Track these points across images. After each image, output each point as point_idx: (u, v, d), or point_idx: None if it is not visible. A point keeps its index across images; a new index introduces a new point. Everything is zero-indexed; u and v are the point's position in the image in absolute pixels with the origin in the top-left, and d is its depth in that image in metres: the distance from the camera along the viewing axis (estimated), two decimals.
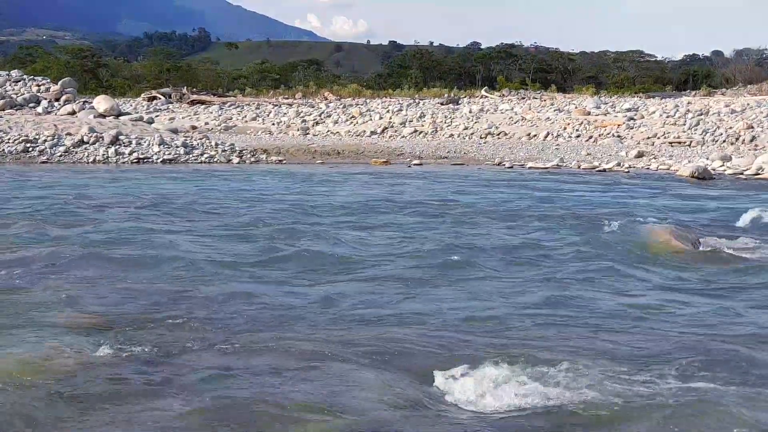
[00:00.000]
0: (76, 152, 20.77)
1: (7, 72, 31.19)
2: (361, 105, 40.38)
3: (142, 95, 44.28)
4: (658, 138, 27.63)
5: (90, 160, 20.38)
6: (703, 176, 18.49)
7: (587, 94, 45.14)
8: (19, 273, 7.48)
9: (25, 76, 30.48)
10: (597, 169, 20.83)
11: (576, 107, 35.85)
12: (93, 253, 8.41)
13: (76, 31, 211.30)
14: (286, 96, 46.65)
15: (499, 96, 45.00)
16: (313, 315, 6.33)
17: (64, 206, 12.13)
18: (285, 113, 37.72)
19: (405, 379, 4.94)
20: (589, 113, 33.61)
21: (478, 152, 24.99)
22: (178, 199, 13.31)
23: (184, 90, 44.65)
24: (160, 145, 21.58)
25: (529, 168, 21.20)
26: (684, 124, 29.08)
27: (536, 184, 16.78)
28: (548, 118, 32.90)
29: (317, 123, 34.47)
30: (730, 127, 27.32)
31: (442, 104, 39.95)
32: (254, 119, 36.61)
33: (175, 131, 24.98)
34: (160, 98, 42.38)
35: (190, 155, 21.61)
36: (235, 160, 21.75)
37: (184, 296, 6.83)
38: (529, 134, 30.33)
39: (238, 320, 6.14)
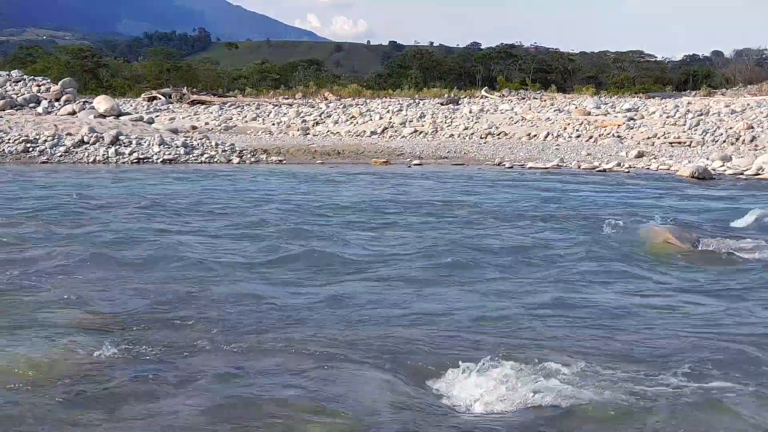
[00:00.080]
0: (77, 152, 20.77)
1: (7, 72, 31.18)
2: (361, 105, 40.39)
3: (142, 95, 44.29)
4: (658, 138, 27.64)
5: (90, 161, 20.38)
6: (703, 176, 18.49)
7: (587, 94, 45.16)
8: (25, 273, 7.49)
9: (25, 76, 30.47)
10: (597, 169, 20.83)
11: (576, 107, 35.86)
12: (99, 253, 8.42)
13: (76, 31, 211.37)
14: (286, 96, 46.67)
15: (499, 96, 45.01)
16: (319, 315, 6.33)
17: (68, 206, 12.14)
18: (285, 113, 37.73)
19: (410, 379, 4.94)
20: (589, 113, 33.62)
21: (478, 152, 24.99)
22: (182, 199, 13.32)
23: (184, 90, 44.67)
24: (160, 145, 21.59)
25: (529, 168, 21.20)
26: (684, 125, 29.09)
27: (536, 185, 16.79)
28: (548, 118, 32.91)
29: (317, 123, 34.48)
30: (730, 128, 27.33)
31: (442, 104, 39.96)
32: (254, 119, 36.62)
33: (175, 131, 24.98)
34: (160, 98, 42.39)
35: (191, 155, 21.61)
36: (235, 160, 21.75)
37: (189, 296, 6.83)
38: (529, 134, 30.33)
39: (243, 320, 6.14)
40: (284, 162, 22.13)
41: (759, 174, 19.14)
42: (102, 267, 7.84)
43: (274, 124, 34.13)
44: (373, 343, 5.53)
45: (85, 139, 21.27)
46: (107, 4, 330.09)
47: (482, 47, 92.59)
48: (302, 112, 37.61)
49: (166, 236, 9.61)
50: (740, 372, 4.98)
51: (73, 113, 25.59)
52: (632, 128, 29.50)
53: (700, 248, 9.54)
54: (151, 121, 27.20)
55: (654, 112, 32.52)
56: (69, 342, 5.45)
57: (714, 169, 19.67)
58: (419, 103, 41.74)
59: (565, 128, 30.51)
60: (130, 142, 21.52)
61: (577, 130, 30.03)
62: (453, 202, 13.52)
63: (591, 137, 28.98)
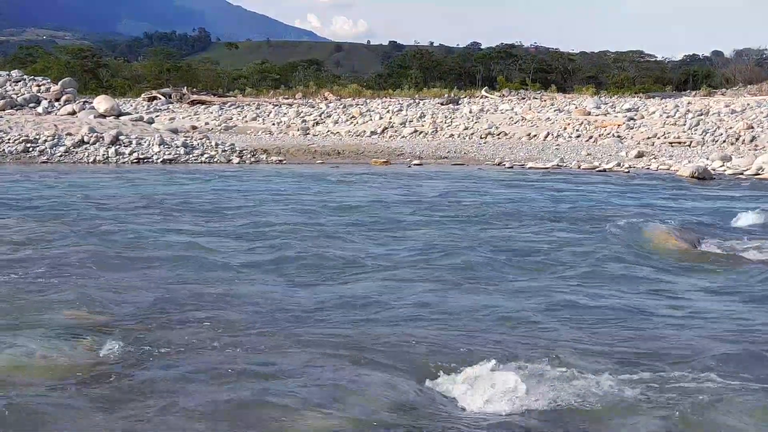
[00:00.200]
0: (77, 152, 20.77)
1: (7, 72, 31.18)
2: (361, 105, 40.39)
3: (143, 95, 44.29)
4: (658, 138, 27.64)
5: (90, 160, 20.39)
6: (703, 176, 18.50)
7: (587, 94, 45.17)
8: (26, 272, 7.49)
9: (25, 76, 30.47)
10: (597, 169, 20.84)
11: (576, 107, 35.86)
12: (102, 252, 8.43)
13: (76, 31, 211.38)
14: (286, 96, 46.68)
15: (499, 96, 45.02)
16: (326, 315, 6.33)
17: (70, 206, 12.14)
18: (285, 113, 37.74)
19: (413, 379, 4.94)
20: (589, 113, 33.62)
21: (478, 152, 24.99)
22: (185, 198, 13.32)
23: (184, 90, 44.67)
24: (160, 145, 21.59)
25: (529, 168, 21.20)
26: (684, 125, 29.09)
27: (536, 185, 16.79)
28: (548, 118, 32.91)
29: (317, 123, 34.48)
30: (730, 128, 27.33)
31: (442, 104, 39.97)
32: (254, 119, 36.62)
33: (175, 131, 24.98)
34: (160, 98, 42.39)
35: (191, 155, 21.61)
36: (235, 160, 21.75)
37: (195, 296, 6.82)
38: (529, 134, 30.33)
39: (248, 320, 6.13)
40: (284, 162, 22.13)
41: (759, 174, 19.14)
42: (109, 266, 7.85)
43: (274, 124, 34.13)
44: (378, 343, 5.53)
45: (85, 139, 21.27)
46: (107, 4, 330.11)
47: (482, 47, 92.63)
48: (302, 112, 37.61)
49: (173, 236, 9.63)
50: (743, 371, 4.98)
51: (73, 113, 25.59)
52: (632, 128, 29.50)
53: (700, 248, 9.54)
54: (151, 121, 27.21)
55: (654, 112, 32.53)
56: (66, 341, 5.45)
57: (714, 169, 19.67)
58: (419, 103, 41.74)
59: (565, 128, 30.51)
60: (130, 142, 21.52)
61: (577, 130, 30.03)
62: (455, 202, 13.51)
63: (591, 137, 28.99)
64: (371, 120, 34.25)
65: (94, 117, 25.10)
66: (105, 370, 5.02)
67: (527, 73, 65.66)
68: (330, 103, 42.18)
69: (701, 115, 30.80)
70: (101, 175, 17.66)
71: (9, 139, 20.98)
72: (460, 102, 41.16)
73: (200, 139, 23.66)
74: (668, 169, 20.51)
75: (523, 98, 43.12)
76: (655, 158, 22.91)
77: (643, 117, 31.83)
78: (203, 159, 21.56)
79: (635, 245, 9.32)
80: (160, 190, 14.48)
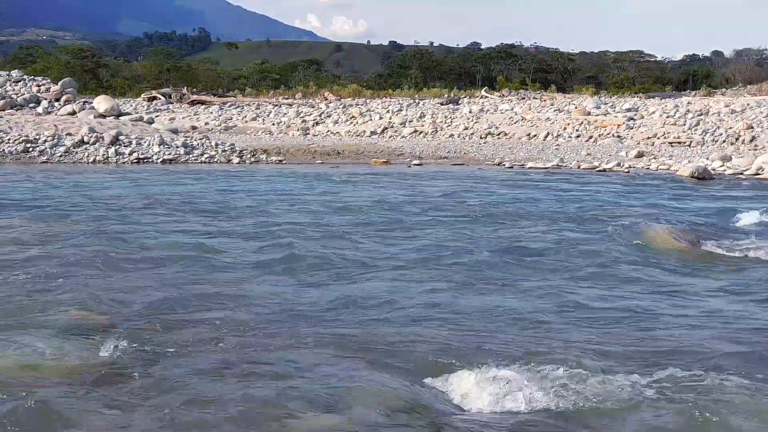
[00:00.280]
0: (77, 152, 20.77)
1: (7, 72, 31.19)
2: (361, 105, 40.39)
3: (142, 95, 44.29)
4: (658, 138, 27.64)
5: (90, 161, 20.39)
6: (703, 176, 18.50)
7: (587, 94, 45.17)
8: (32, 272, 7.50)
9: (25, 76, 30.47)
10: (597, 169, 20.83)
11: (576, 107, 35.87)
12: (108, 252, 8.44)
13: (76, 31, 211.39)
14: (286, 96, 46.67)
15: (499, 96, 45.01)
16: (331, 315, 6.33)
17: (73, 206, 12.15)
18: (285, 113, 37.74)
19: (415, 379, 4.95)
20: (589, 113, 33.62)
21: (478, 152, 24.99)
22: (188, 198, 13.32)
23: (184, 90, 44.67)
24: (160, 145, 21.59)
25: (529, 168, 21.20)
26: (684, 125, 29.09)
27: (537, 185, 16.79)
28: (548, 118, 32.92)
29: (317, 123, 34.48)
30: (730, 127, 27.33)
31: (442, 104, 39.96)
32: (254, 119, 36.62)
33: (175, 131, 24.98)
34: (160, 98, 42.39)
35: (190, 155, 21.61)
36: (235, 160, 21.75)
37: (197, 296, 6.82)
38: (529, 134, 30.33)
39: (250, 320, 6.13)
40: (284, 162, 22.13)
41: (759, 174, 19.14)
42: (115, 266, 7.86)
43: (274, 124, 34.13)
44: (383, 343, 5.53)
45: (85, 139, 21.27)
46: (107, 4, 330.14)
47: (482, 47, 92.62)
48: (302, 112, 37.62)
49: (178, 236, 9.65)
50: (750, 371, 4.98)
51: (73, 113, 25.59)
52: (632, 128, 29.50)
53: (701, 248, 9.55)
54: (151, 121, 27.21)
55: (654, 112, 32.53)
56: (79, 341, 5.47)
57: (714, 169, 19.67)
58: (419, 103, 41.74)
59: (565, 128, 30.51)
60: (130, 142, 21.52)
61: (577, 130, 30.03)
62: (457, 202, 13.51)
63: (591, 137, 28.99)
64: (371, 120, 34.25)
65: (94, 117, 25.10)
66: (112, 370, 5.02)
67: (527, 73, 65.65)
68: (330, 103, 42.18)
69: (701, 115, 30.80)
70: (102, 175, 17.66)
71: (9, 139, 20.98)
72: (460, 102, 41.16)
73: (200, 139, 23.66)
74: (668, 169, 20.50)
75: (523, 98, 43.12)
76: (655, 158, 22.91)
77: (642, 117, 31.84)
78: (203, 159, 21.56)
79: (636, 245, 9.32)
80: (163, 190, 14.47)
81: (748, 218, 11.74)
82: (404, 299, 6.83)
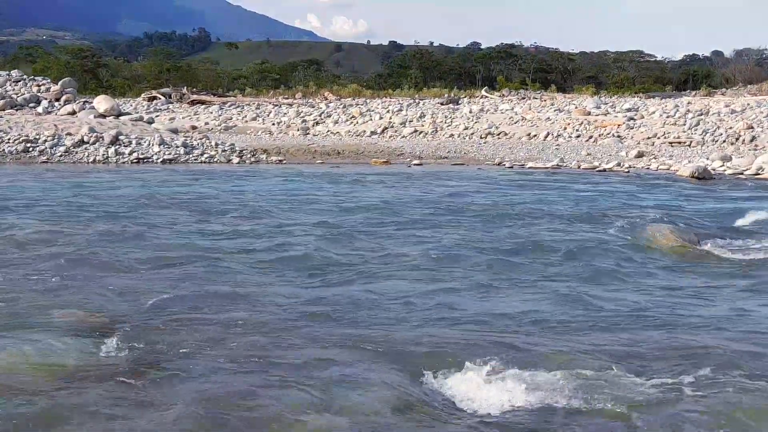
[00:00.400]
0: (77, 152, 20.76)
1: (7, 72, 31.18)
2: (361, 105, 40.39)
3: (142, 95, 44.29)
4: (658, 138, 27.63)
5: (90, 160, 20.38)
6: (703, 176, 18.49)
7: (587, 94, 45.16)
8: (33, 272, 7.50)
9: (25, 76, 30.46)
10: (597, 169, 20.82)
11: (576, 107, 35.86)
12: (111, 252, 8.44)
13: (76, 31, 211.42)
14: (286, 96, 46.67)
15: (499, 96, 45.01)
16: (334, 315, 6.32)
17: (75, 206, 12.13)
18: (285, 113, 37.73)
19: (417, 379, 4.95)
20: (589, 113, 33.62)
21: (478, 152, 24.99)
22: (192, 198, 13.31)
23: (184, 90, 44.67)
24: (160, 145, 21.58)
25: (530, 168, 21.19)
26: (684, 124, 29.08)
27: (537, 185, 16.78)
28: (548, 118, 32.91)
29: (317, 123, 34.48)
30: (730, 127, 27.33)
31: (442, 104, 39.96)
32: (254, 119, 36.62)
33: (175, 131, 24.97)
34: (160, 98, 42.39)
35: (190, 155, 21.61)
36: (235, 160, 21.74)
37: (202, 296, 6.82)
38: (529, 134, 30.33)
39: (249, 320, 6.12)
40: (284, 162, 22.12)
41: (759, 174, 19.13)
42: (118, 266, 7.86)
43: (274, 124, 34.13)
44: (385, 343, 5.52)
45: (85, 139, 21.26)
46: (107, 4, 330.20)
47: (482, 47, 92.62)
48: (302, 112, 37.61)
49: (182, 236, 9.65)
50: (745, 371, 4.97)
51: (73, 113, 25.58)
52: (632, 128, 29.49)
53: (701, 248, 9.54)
54: (151, 121, 27.20)
55: (654, 112, 32.52)
56: (64, 342, 5.46)
57: (714, 169, 19.66)
58: (419, 103, 41.74)
59: (565, 128, 30.51)
60: (130, 142, 21.51)
61: (577, 130, 30.03)
62: (459, 203, 13.48)
63: (591, 137, 28.98)
64: (371, 120, 34.25)
65: (94, 117, 25.09)
66: (111, 371, 5.02)
67: (527, 73, 65.66)
68: (330, 103, 42.18)
69: (701, 115, 30.79)
70: (103, 174, 17.65)
71: (9, 139, 20.97)
72: (460, 102, 41.15)
73: (200, 139, 23.66)
74: (668, 169, 20.49)
75: (523, 98, 43.12)
76: (655, 158, 22.90)
77: (643, 117, 31.83)
78: (203, 159, 21.55)
79: (635, 245, 9.33)
80: (163, 190, 14.44)
81: (748, 218, 11.74)
82: (414, 299, 6.82)
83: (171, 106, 40.74)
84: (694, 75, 64.64)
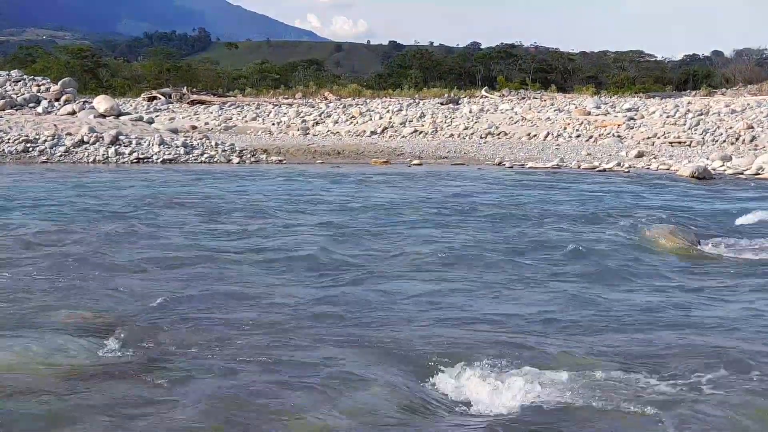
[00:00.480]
0: (76, 152, 20.76)
1: (7, 72, 31.18)
2: (361, 105, 40.39)
3: (142, 95, 44.30)
4: (658, 138, 27.64)
5: (90, 160, 20.38)
6: (703, 176, 18.48)
7: (587, 94, 45.15)
8: (35, 272, 7.50)
9: (25, 76, 30.47)
10: (597, 169, 20.82)
11: (576, 107, 35.86)
12: (114, 252, 8.45)
13: (76, 31, 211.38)
14: (286, 96, 46.66)
15: (499, 96, 45.00)
16: (337, 316, 6.31)
17: (77, 206, 12.12)
18: (285, 113, 37.73)
19: (418, 379, 4.94)
20: (589, 113, 33.62)
21: (478, 152, 24.98)
22: (195, 198, 13.31)
23: (184, 90, 44.68)
24: (160, 145, 21.58)
25: (529, 168, 21.19)
26: (684, 124, 29.09)
27: (537, 185, 16.78)
28: (548, 118, 32.92)
29: (317, 123, 34.48)
30: (730, 127, 27.33)
31: (442, 104, 39.96)
32: (254, 119, 36.63)
33: (175, 131, 24.97)
34: (160, 98, 42.39)
35: (190, 155, 21.60)
36: (235, 160, 21.74)
37: (206, 296, 6.81)
38: (529, 134, 30.33)
39: (250, 320, 6.11)
40: (284, 162, 22.12)
41: (759, 174, 19.13)
42: (121, 266, 7.86)
43: (274, 124, 34.13)
44: (389, 343, 5.52)
45: (85, 139, 21.26)
46: (107, 4, 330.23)
47: (482, 47, 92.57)
48: (302, 112, 37.61)
49: (185, 236, 9.65)
50: (745, 371, 4.97)
51: (73, 113, 25.58)
52: (632, 128, 29.50)
53: (701, 248, 9.54)
54: (151, 121, 27.20)
55: (654, 112, 32.53)
56: (65, 342, 5.46)
57: (714, 169, 19.66)
58: (419, 103, 41.75)
59: (565, 128, 30.51)
60: (130, 142, 21.51)
61: (577, 130, 30.03)
62: (460, 202, 13.49)
63: (591, 137, 28.98)
64: (371, 120, 34.25)
65: (94, 117, 25.09)
66: (118, 370, 5.01)
67: (527, 73, 65.64)
68: (330, 103, 42.18)
69: (701, 115, 30.79)
70: (104, 174, 17.64)
71: (9, 139, 20.97)
72: (460, 102, 41.15)
73: (200, 139, 23.66)
74: (668, 169, 20.49)
75: (523, 98, 43.11)
76: (655, 158, 22.90)
77: (643, 117, 31.83)
78: (203, 159, 21.55)
79: (635, 245, 9.32)
80: (167, 191, 14.42)
81: (748, 218, 11.74)
82: (422, 299, 6.83)
83: (171, 106, 40.75)
84: (694, 75, 64.63)
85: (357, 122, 34.03)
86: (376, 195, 14.38)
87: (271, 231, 10.14)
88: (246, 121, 35.81)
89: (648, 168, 21.27)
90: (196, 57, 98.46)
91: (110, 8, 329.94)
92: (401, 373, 5.00)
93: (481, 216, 11.77)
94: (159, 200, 12.87)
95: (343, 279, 7.59)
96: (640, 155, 23.44)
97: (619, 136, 28.51)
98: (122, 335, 5.63)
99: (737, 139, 26.05)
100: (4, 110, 25.77)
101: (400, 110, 37.04)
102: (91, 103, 27.41)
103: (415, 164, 21.83)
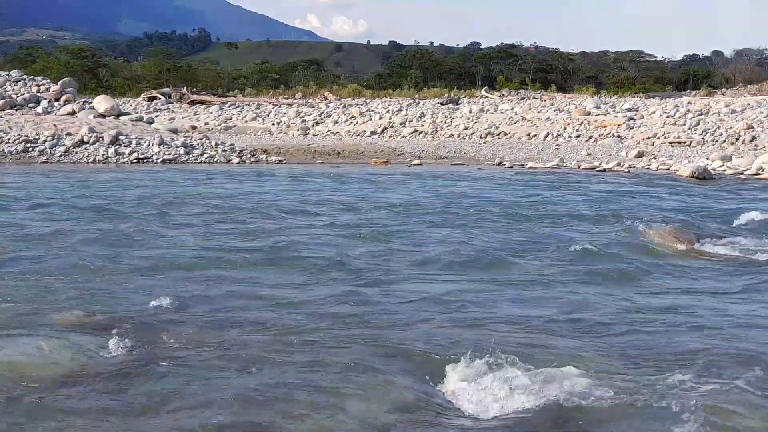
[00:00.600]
0: (76, 152, 20.76)
1: (7, 72, 31.19)
2: (361, 105, 40.40)
3: (142, 95, 44.31)
4: (658, 138, 27.64)
5: (90, 161, 20.37)
6: (703, 176, 18.48)
7: (587, 94, 45.16)
8: (37, 271, 7.49)
9: (25, 76, 30.47)
10: (597, 169, 20.82)
11: (576, 107, 35.87)
12: (116, 252, 8.44)
13: (76, 31, 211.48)
14: (286, 96, 46.67)
15: (499, 96, 45.00)
16: (340, 315, 6.31)
17: (77, 205, 12.12)
18: (285, 113, 37.74)
19: (417, 379, 4.94)
20: (589, 113, 33.62)
21: (478, 152, 24.98)
22: (197, 198, 13.27)
23: (184, 90, 44.69)
24: (160, 145, 21.58)
25: (529, 168, 21.19)
26: (684, 124, 29.09)
27: (537, 184, 16.78)
28: (548, 118, 32.92)
29: (317, 123, 34.49)
30: (730, 127, 27.33)
31: (442, 104, 39.96)
32: (254, 119, 36.63)
33: (175, 131, 24.98)
34: (160, 98, 42.40)
35: (190, 155, 21.60)
36: (235, 160, 21.74)
37: (208, 296, 6.81)
38: (529, 134, 30.33)
39: (242, 320, 6.11)
40: (284, 162, 22.12)
41: (759, 174, 19.13)
42: (122, 267, 7.85)
43: (273, 124, 34.14)
44: (397, 344, 5.51)
45: (85, 139, 21.26)
46: (107, 4, 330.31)
47: (482, 47, 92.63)
48: (302, 112, 37.62)
49: (187, 236, 9.63)
50: (745, 371, 4.96)
51: (73, 113, 25.59)
52: (632, 128, 29.50)
53: (701, 248, 9.53)
54: (150, 121, 27.20)
55: (654, 112, 32.53)
56: (66, 341, 5.45)
57: (714, 169, 19.65)
58: (419, 103, 41.75)
59: (565, 128, 30.52)
60: (130, 142, 21.51)
61: (577, 130, 30.03)
62: (462, 202, 13.49)
63: (591, 137, 28.98)
64: (371, 120, 34.26)
65: (94, 117, 25.09)
66: (116, 371, 5.00)
67: (527, 73, 65.66)
68: (330, 103, 42.18)
69: (701, 115, 30.80)
70: (104, 174, 17.63)
71: (9, 139, 20.97)
72: (460, 102, 41.15)
73: (200, 139, 23.66)
74: (668, 169, 20.49)
75: (523, 98, 43.12)
76: (655, 158, 22.90)
77: (643, 117, 31.83)
78: (203, 159, 21.55)
79: (635, 245, 9.31)
80: (168, 190, 14.40)
81: (748, 218, 11.72)
82: (431, 299, 6.81)
83: (171, 106, 40.75)
84: (694, 75, 64.64)
85: (357, 122, 34.03)
86: (379, 195, 14.37)
87: (274, 230, 10.13)
88: (246, 122, 35.81)
89: (648, 168, 21.26)
90: (196, 57, 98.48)
91: (110, 8, 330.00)
92: (411, 374, 4.99)
93: (483, 216, 11.76)
94: (160, 200, 12.85)
95: (352, 279, 7.55)
96: (640, 155, 23.44)
97: (619, 136, 28.51)
98: (126, 335, 5.62)
99: (737, 139, 26.05)
100: (4, 110, 25.77)
101: (400, 110, 37.05)
102: (91, 103, 27.41)
103: (415, 164, 21.83)
